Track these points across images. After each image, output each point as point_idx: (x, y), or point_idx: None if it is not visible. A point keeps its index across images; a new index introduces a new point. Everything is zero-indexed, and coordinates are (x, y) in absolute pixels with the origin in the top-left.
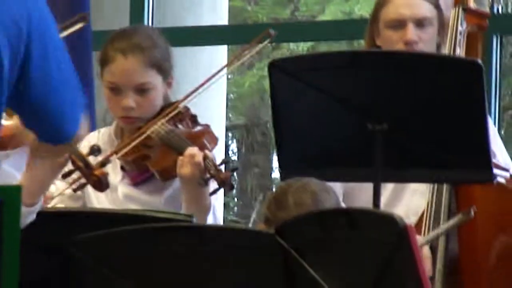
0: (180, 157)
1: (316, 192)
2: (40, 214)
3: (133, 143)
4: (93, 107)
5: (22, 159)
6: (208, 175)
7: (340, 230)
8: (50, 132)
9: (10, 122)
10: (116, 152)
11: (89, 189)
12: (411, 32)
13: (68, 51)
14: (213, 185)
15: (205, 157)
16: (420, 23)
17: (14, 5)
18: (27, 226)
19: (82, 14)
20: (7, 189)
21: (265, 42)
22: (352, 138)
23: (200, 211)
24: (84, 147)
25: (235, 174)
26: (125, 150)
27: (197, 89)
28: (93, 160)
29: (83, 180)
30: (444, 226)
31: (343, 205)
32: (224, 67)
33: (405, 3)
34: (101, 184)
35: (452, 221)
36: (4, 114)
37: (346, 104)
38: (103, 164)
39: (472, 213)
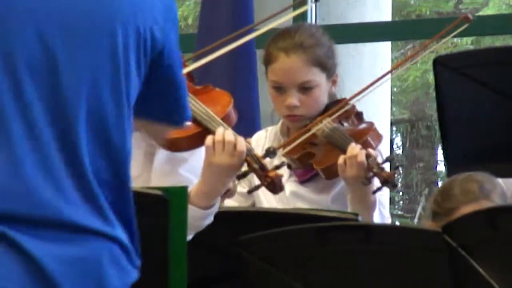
0: (341, 159)
1: (482, 181)
2: None
3: (298, 140)
4: (257, 106)
5: (199, 163)
6: (371, 174)
7: (509, 227)
8: (177, 109)
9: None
10: (282, 147)
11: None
12: None
13: (232, 49)
14: (377, 182)
15: (368, 156)
16: None
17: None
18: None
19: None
20: (174, 190)
21: (463, 27)
22: None
23: (365, 210)
24: (256, 146)
25: (400, 171)
26: (290, 147)
27: (367, 87)
28: (268, 162)
29: (257, 182)
30: None
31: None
32: (402, 62)
33: None
34: (275, 187)
35: None
36: None
37: (510, 99)
38: (278, 167)
39: None
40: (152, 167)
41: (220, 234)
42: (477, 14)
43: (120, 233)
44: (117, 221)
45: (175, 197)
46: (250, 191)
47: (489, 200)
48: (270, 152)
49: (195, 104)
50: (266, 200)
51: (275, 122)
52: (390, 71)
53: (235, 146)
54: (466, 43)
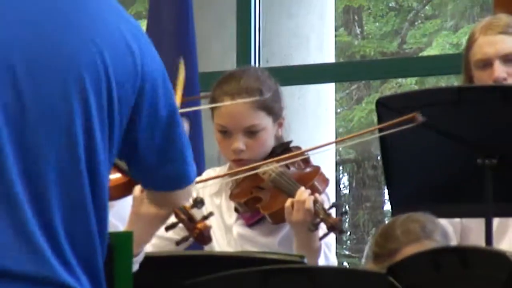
0: (289, 202)
1: (424, 222)
2: (152, 258)
3: (244, 174)
4: (202, 148)
5: (125, 210)
6: (318, 220)
7: (453, 268)
8: (174, 176)
9: (116, 175)
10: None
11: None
12: (498, 69)
13: None
14: (324, 228)
15: (315, 202)
16: (506, 58)
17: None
18: (138, 268)
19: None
20: (119, 235)
21: (409, 126)
22: (462, 174)
23: (310, 254)
24: (205, 187)
25: (346, 216)
26: (235, 176)
27: (326, 144)
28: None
29: (186, 233)
30: None
31: (454, 239)
32: (370, 130)
33: (489, 41)
34: (203, 238)
35: None
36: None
37: (454, 140)
38: (206, 217)
39: None
40: None
41: (166, 278)
42: (420, 55)
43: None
44: (84, 274)
45: (120, 243)
46: (178, 243)
47: (431, 240)
48: (198, 202)
49: None
50: (217, 243)
51: (222, 165)
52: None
53: None
54: (411, 83)
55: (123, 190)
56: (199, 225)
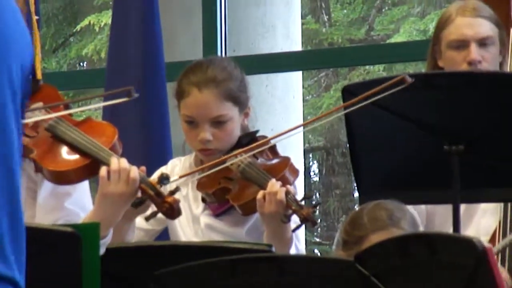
0: (260, 194)
1: (391, 209)
2: (121, 248)
3: (212, 170)
4: (169, 138)
5: (84, 198)
6: (290, 211)
7: (420, 255)
8: None
9: (74, 156)
10: (188, 175)
11: (175, 220)
12: (474, 52)
13: (143, 83)
14: (296, 219)
15: (287, 193)
16: (483, 42)
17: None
18: (107, 260)
19: (128, 89)
20: (85, 226)
21: (398, 88)
22: (429, 160)
23: (282, 246)
24: (171, 173)
25: (318, 208)
26: (203, 175)
27: (291, 129)
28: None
29: (154, 209)
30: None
31: (420, 226)
32: (332, 111)
33: (467, 23)
34: (173, 211)
35: None
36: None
37: (421, 126)
38: (173, 192)
39: None
40: (36, 203)
41: (134, 268)
42: (388, 41)
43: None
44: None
45: (87, 233)
46: (147, 218)
47: (398, 228)
48: (164, 178)
49: (80, 136)
50: (183, 232)
51: (187, 153)
52: (318, 117)
53: (128, 173)
54: (379, 70)
55: (84, 172)
56: (168, 199)
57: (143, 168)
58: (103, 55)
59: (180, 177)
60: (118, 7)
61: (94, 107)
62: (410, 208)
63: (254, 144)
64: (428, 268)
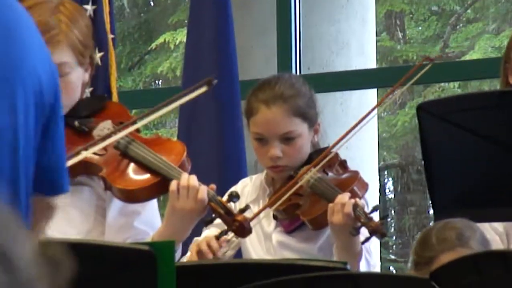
0: (331, 205)
1: (460, 228)
2: (196, 266)
3: (286, 196)
4: (244, 156)
5: (153, 216)
6: (359, 224)
7: (495, 273)
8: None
9: (144, 174)
10: (270, 205)
11: (246, 238)
12: None
13: (217, 101)
14: (365, 232)
15: (356, 206)
16: None
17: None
18: (181, 277)
19: (208, 79)
20: (160, 244)
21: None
22: (503, 177)
23: (351, 259)
24: (242, 194)
25: (387, 220)
26: (278, 202)
27: (346, 134)
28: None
29: (224, 227)
30: None
31: (499, 244)
32: (374, 108)
33: None
34: (244, 230)
35: None
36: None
37: (495, 144)
38: (243, 210)
39: None
40: (106, 222)
41: (209, 286)
42: (463, 58)
43: None
44: None
45: (162, 252)
46: (218, 237)
47: (467, 248)
48: (234, 196)
49: (149, 154)
50: (254, 251)
51: (259, 172)
52: (368, 114)
53: (197, 191)
54: (454, 87)
55: (154, 191)
56: (239, 217)
57: (213, 186)
58: (178, 73)
59: (266, 206)
60: (193, 25)
61: (175, 105)
62: (487, 231)
63: (320, 157)
64: (504, 286)
